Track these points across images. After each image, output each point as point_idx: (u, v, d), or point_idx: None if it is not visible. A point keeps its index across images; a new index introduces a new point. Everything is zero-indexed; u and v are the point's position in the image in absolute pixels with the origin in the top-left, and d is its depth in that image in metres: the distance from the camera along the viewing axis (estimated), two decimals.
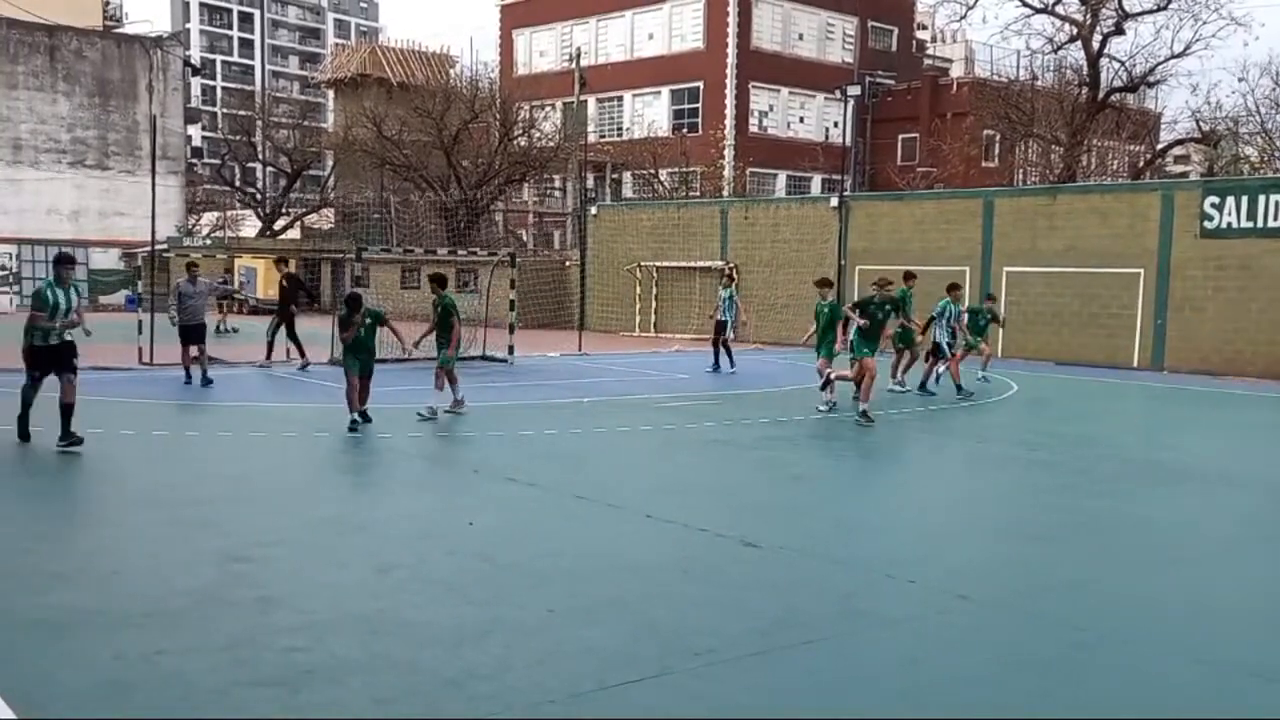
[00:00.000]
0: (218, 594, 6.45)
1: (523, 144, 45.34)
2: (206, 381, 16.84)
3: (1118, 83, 36.81)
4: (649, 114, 50.69)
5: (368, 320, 13.14)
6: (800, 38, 50.63)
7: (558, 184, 51.31)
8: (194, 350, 17.10)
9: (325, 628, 5.88)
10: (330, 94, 70.74)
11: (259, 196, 61.01)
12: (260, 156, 61.75)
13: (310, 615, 6.08)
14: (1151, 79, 36.83)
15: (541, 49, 55.32)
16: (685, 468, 11.40)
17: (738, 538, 8.01)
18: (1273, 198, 23.23)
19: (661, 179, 45.94)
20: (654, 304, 34.76)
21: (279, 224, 57.23)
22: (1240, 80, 39.23)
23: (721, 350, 22.14)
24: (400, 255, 33.60)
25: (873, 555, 7.83)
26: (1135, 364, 24.79)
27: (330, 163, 59.32)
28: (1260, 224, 23.27)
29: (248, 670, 5.26)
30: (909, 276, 19.35)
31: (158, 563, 7.16)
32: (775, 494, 10.21)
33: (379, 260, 34.82)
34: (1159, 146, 41.56)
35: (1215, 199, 24.05)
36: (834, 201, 31.52)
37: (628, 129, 51.10)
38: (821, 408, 15.42)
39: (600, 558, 7.48)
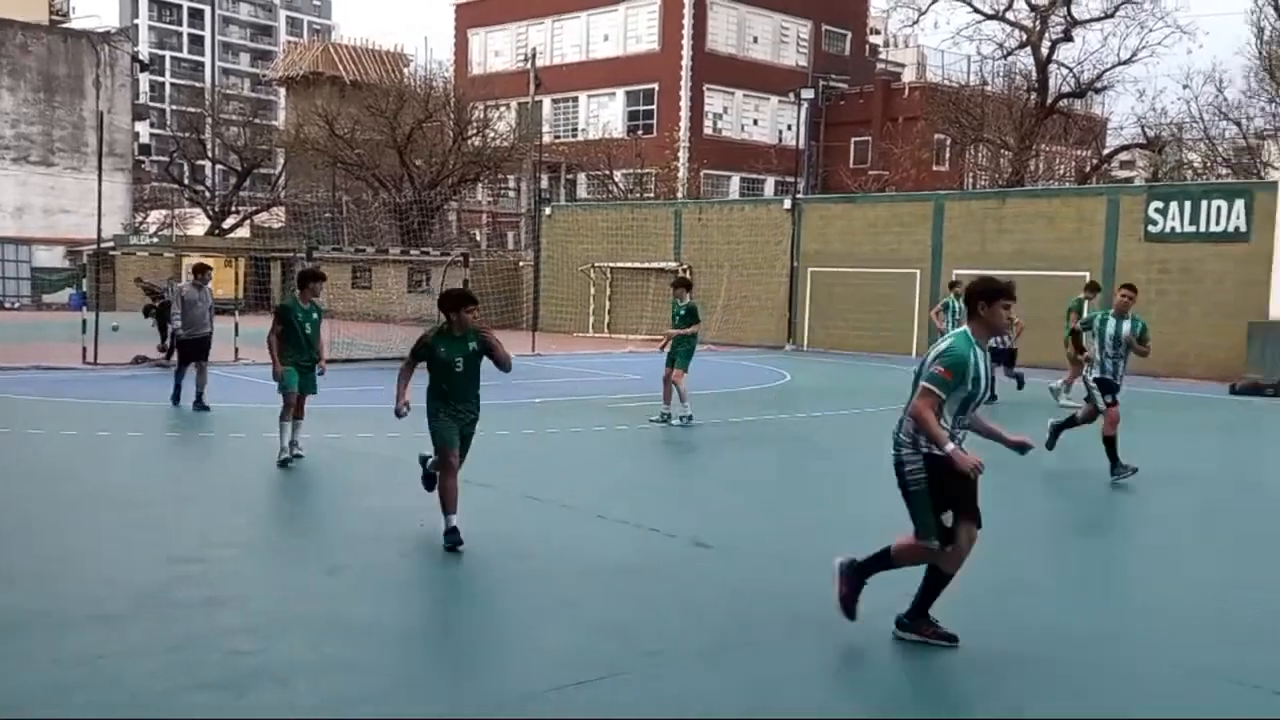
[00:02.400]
0: (163, 595, 6.36)
1: (477, 144, 45.17)
2: (201, 406, 14.05)
3: (1066, 88, 37.42)
4: (604, 115, 50.70)
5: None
6: (755, 41, 50.88)
7: (512, 184, 51.17)
8: (193, 368, 14.62)
9: (273, 629, 5.81)
10: (282, 92, 70.09)
11: (208, 194, 60.22)
12: (210, 154, 60.98)
13: (258, 617, 6.01)
14: (1098, 85, 37.48)
15: (496, 49, 55.14)
16: (638, 468, 11.41)
17: (689, 538, 8.03)
18: (1215, 203, 23.71)
19: (616, 180, 45.97)
20: (608, 305, 34.76)
21: (228, 222, 56.52)
22: (1184, 87, 40.11)
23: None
24: (352, 255, 33.33)
25: (823, 555, 7.87)
26: None
27: (281, 161, 58.68)
28: (1202, 228, 23.74)
29: (192, 673, 5.19)
30: (1093, 288, 18.26)
31: (101, 564, 7.04)
32: (727, 494, 10.25)
33: (331, 259, 34.47)
34: (1105, 152, 42.28)
35: (1159, 204, 24.49)
36: (787, 203, 31.71)
37: (583, 130, 51.07)
38: (674, 421, 14.04)
39: (552, 558, 7.46)
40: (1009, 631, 6.21)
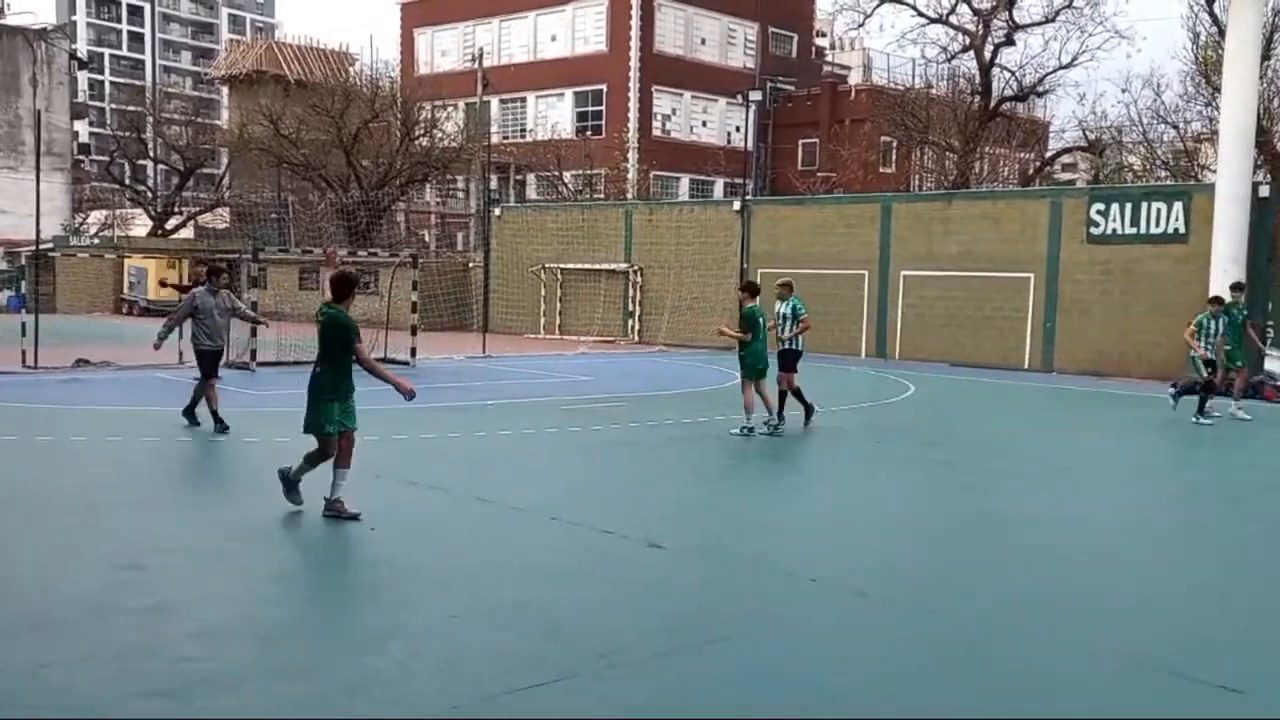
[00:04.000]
0: (108, 602, 6.25)
1: (425, 144, 44.87)
2: (221, 427, 12.28)
3: (1009, 92, 37.92)
4: (553, 116, 50.60)
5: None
6: (703, 42, 51.06)
7: (461, 185, 50.90)
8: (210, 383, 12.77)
9: (221, 636, 5.74)
10: (225, 90, 69.12)
11: (150, 195, 59.24)
12: (151, 154, 59.98)
13: (205, 623, 5.92)
14: (1040, 89, 38.03)
15: (443, 49, 54.83)
16: (590, 470, 11.40)
17: (643, 539, 8.04)
18: (1154, 205, 24.17)
19: (566, 181, 45.90)
20: (558, 306, 34.70)
21: (171, 223, 55.64)
22: (1124, 91, 40.79)
23: None
24: (299, 256, 32.95)
25: (775, 554, 7.93)
26: (1026, 365, 25.55)
27: (225, 161, 57.87)
28: (1143, 230, 24.19)
29: (138, 680, 5.10)
30: (1239, 288, 17.73)
31: (44, 571, 6.90)
32: (680, 495, 10.27)
33: (276, 261, 34.12)
34: (1048, 154, 42.93)
35: (1101, 205, 24.92)
36: (736, 205, 31.86)
37: (531, 130, 50.94)
38: (762, 430, 13.33)
39: (505, 561, 7.44)
40: (966, 626, 6.28)
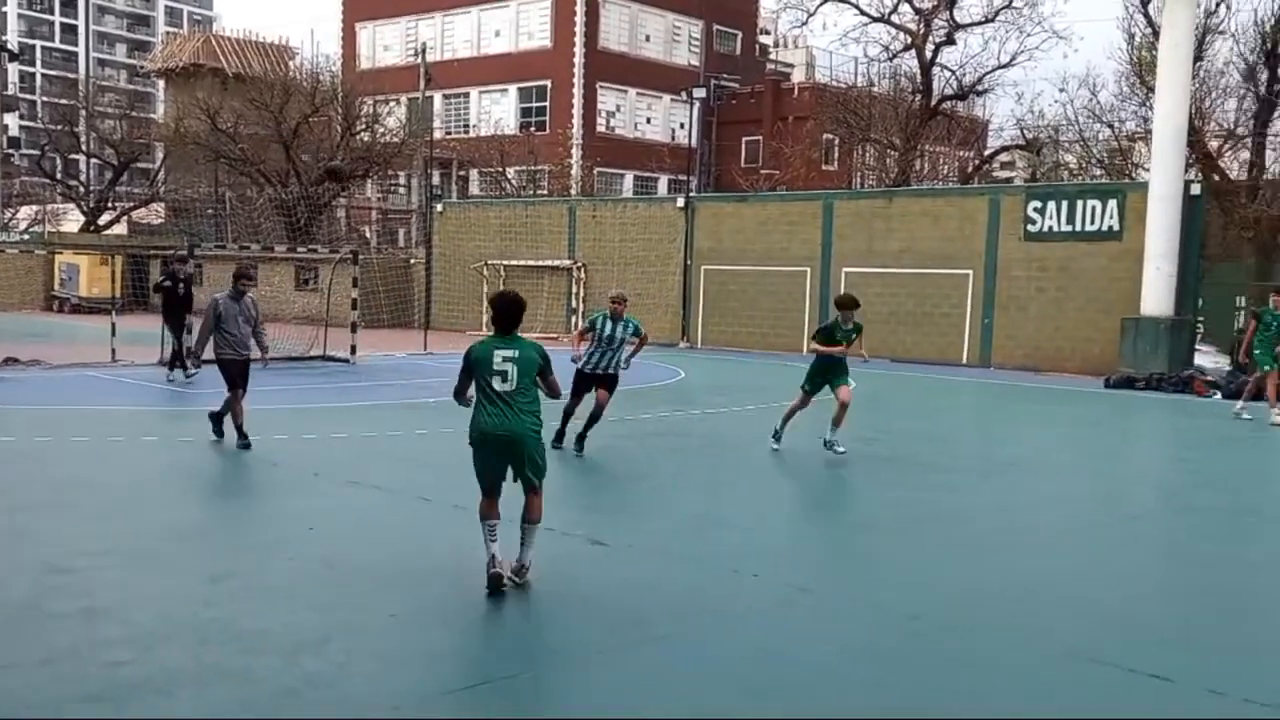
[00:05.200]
0: (37, 606, 6.10)
1: (366, 139, 44.38)
2: (244, 442, 11.42)
3: (949, 90, 38.39)
4: (496, 111, 50.34)
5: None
6: (647, 39, 51.08)
7: (402, 180, 50.45)
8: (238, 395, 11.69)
9: (154, 639, 5.62)
10: (161, 84, 67.85)
11: (82, 190, 57.96)
12: (84, 148, 58.68)
13: (138, 626, 5.80)
14: (980, 88, 38.55)
15: (385, 43, 54.30)
16: None
17: (585, 536, 8.02)
18: (1089, 203, 24.61)
19: (509, 177, 45.68)
20: None
21: (104, 219, 54.49)
22: (1060, 90, 41.38)
23: None
24: (236, 252, 32.41)
25: (718, 551, 7.94)
26: (965, 360, 25.90)
27: (160, 155, 56.80)
28: (1078, 228, 24.62)
29: (68, 685, 4.98)
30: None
31: None
32: (623, 492, 10.26)
33: (213, 257, 33.58)
34: (986, 152, 43.51)
35: (1038, 203, 25.32)
36: (680, 202, 31.93)
37: (474, 126, 50.64)
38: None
39: (445, 560, 7.37)
40: (908, 620, 6.34)
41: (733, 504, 9.92)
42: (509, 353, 6.75)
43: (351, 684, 5.12)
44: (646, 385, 19.71)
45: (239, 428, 11.46)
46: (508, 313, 6.92)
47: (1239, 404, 16.66)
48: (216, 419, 11.82)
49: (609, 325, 11.63)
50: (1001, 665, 5.65)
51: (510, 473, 6.86)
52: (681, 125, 49.66)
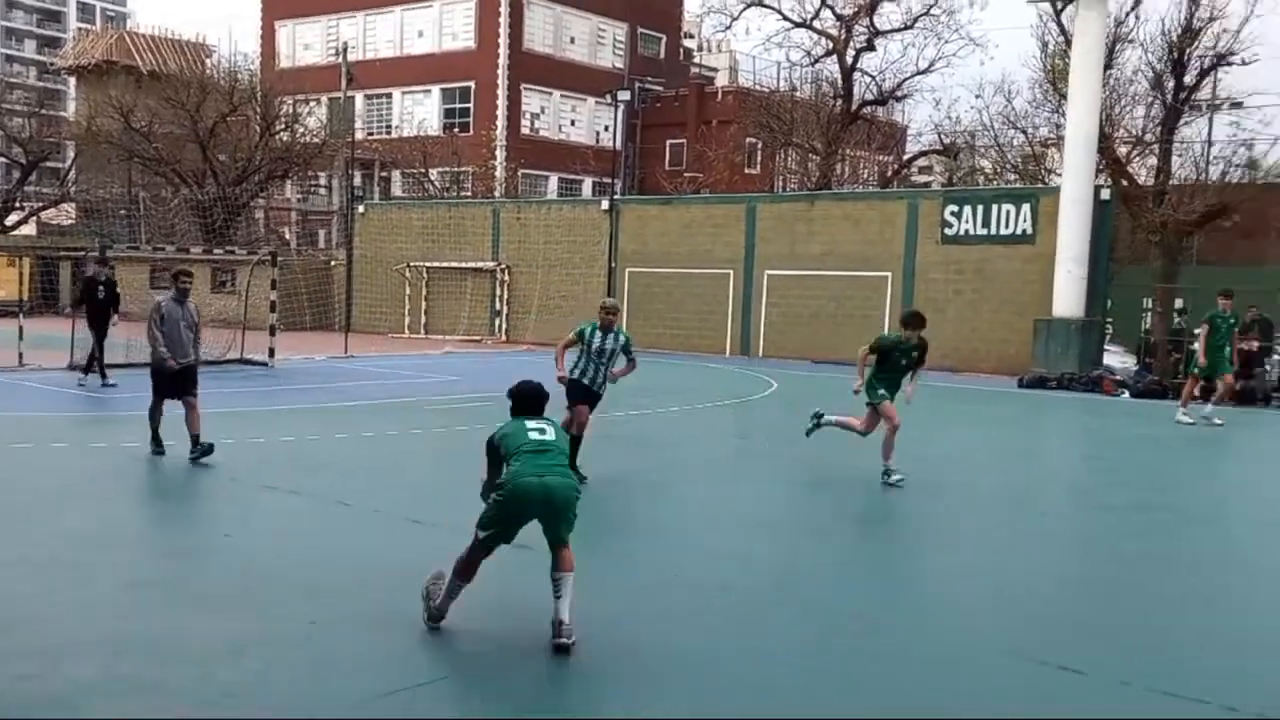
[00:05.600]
0: None
1: (285, 139, 43.67)
2: (199, 450, 10.72)
3: (869, 96, 38.95)
4: (419, 112, 49.89)
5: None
6: (572, 41, 51.04)
7: (323, 181, 49.76)
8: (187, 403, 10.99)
9: (63, 651, 5.47)
10: (72, 81, 66.05)
11: None
12: None
13: (47, 639, 5.65)
14: (899, 93, 39.18)
15: (306, 42, 53.52)
16: (456, 471, 11.26)
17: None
18: (1004, 207, 25.16)
19: (432, 178, 45.30)
20: (424, 305, 34.24)
21: (11, 219, 52.81)
22: (977, 97, 42.41)
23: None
24: (149, 253, 31.76)
25: (646, 552, 7.97)
26: None
27: (71, 154, 55.25)
28: (993, 231, 25.16)
29: None
30: (1228, 295, 16.87)
31: None
32: None
33: (126, 259, 32.80)
34: (905, 157, 44.24)
35: (954, 207, 25.83)
36: (605, 204, 31.95)
37: (397, 127, 50.12)
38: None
39: (366, 565, 7.29)
40: (830, 615, 6.42)
41: (658, 505, 9.96)
42: (540, 423, 6.26)
43: (269, 693, 5.04)
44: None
45: (194, 436, 10.76)
46: (540, 403, 6.44)
47: (1207, 407, 16.53)
48: (154, 435, 11.11)
49: (599, 337, 10.38)
50: (916, 656, 5.76)
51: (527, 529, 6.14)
52: (606, 128, 49.68)
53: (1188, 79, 25.94)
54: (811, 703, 5.16)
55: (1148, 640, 6.26)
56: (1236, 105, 28.93)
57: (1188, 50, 25.51)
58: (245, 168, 41.63)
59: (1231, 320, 16.73)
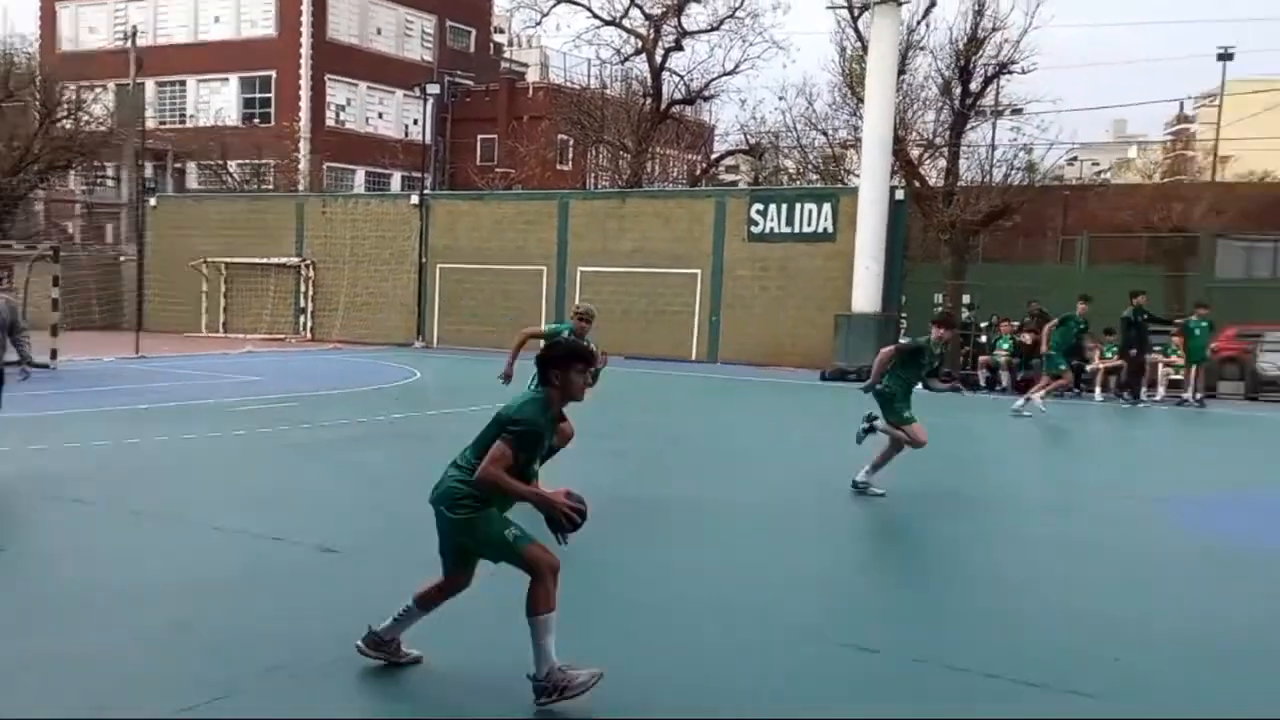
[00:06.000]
0: None
1: (68, 127, 41.01)
2: None
3: (678, 95, 39.55)
4: (216, 101, 47.83)
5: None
6: (379, 32, 49.92)
7: (111, 172, 47.02)
8: None
9: None
10: None
11: None
12: None
13: None
14: (706, 93, 39.93)
15: (91, 25, 50.49)
16: (258, 474, 10.85)
17: (315, 544, 7.74)
18: (806, 206, 26.05)
19: (231, 170, 43.49)
20: (223, 302, 32.85)
21: None
22: (780, 99, 43.49)
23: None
24: None
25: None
26: (694, 356, 26.84)
27: None
28: (797, 229, 26.01)
29: None
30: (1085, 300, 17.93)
31: None
32: (354, 496, 9.98)
33: None
34: (713, 156, 45.17)
35: (760, 206, 26.57)
36: (414, 199, 31.40)
37: (192, 116, 47.91)
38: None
39: (159, 578, 6.93)
40: (631, 606, 6.48)
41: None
42: None
43: (59, 711, 4.72)
44: (380, 386, 19.29)
45: None
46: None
47: (1020, 400, 17.57)
48: None
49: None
50: (716, 641, 5.88)
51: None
52: (415, 121, 48.81)
53: (973, 86, 27.40)
54: (619, 696, 5.20)
55: (940, 619, 6.57)
56: (1017, 112, 30.75)
57: (973, 58, 26.95)
58: (22, 157, 38.88)
59: (1083, 324, 18.09)
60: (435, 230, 30.52)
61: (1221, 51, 44.85)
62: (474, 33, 55.12)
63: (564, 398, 5.12)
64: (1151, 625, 6.58)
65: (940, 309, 10.41)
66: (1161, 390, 20.83)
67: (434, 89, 41.71)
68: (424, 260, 30.44)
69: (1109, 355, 21.04)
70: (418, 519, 8.95)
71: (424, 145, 39.69)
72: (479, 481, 4.98)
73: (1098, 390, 20.74)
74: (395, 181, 48.17)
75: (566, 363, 5.06)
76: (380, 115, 50.43)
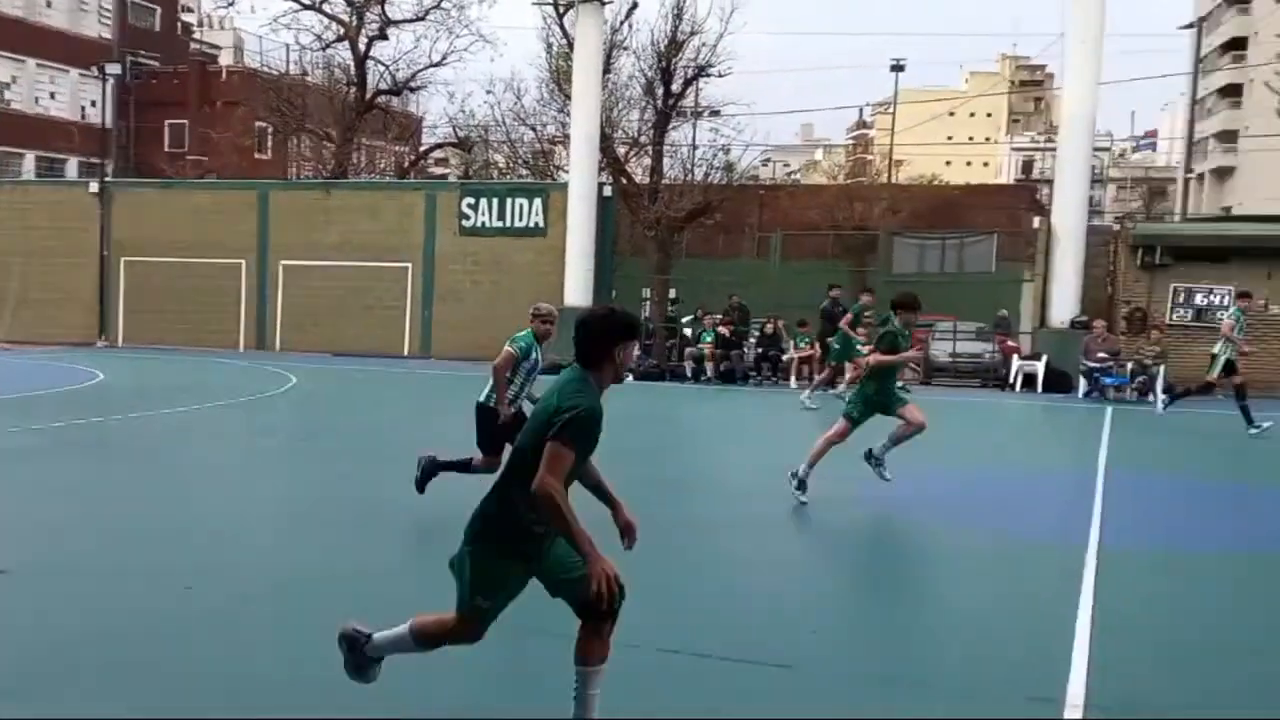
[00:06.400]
0: None
1: None
2: None
3: (383, 85, 38.64)
4: None
5: None
6: (49, 5, 45.81)
7: None
8: None
9: None
10: None
11: None
12: None
13: None
14: (414, 85, 39.22)
15: None
16: None
17: None
18: (518, 200, 26.18)
19: None
20: None
21: None
22: (489, 93, 43.35)
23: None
24: None
25: (148, 564, 7.36)
26: (406, 352, 26.40)
27: None
28: (509, 224, 26.11)
29: None
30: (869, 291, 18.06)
31: None
32: (35, 510, 9.13)
33: None
34: (422, 148, 44.48)
35: (471, 199, 26.46)
36: (94, 186, 29.10)
37: None
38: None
39: None
40: (387, 608, 6.30)
41: (165, 514, 9.24)
42: None
43: None
44: (59, 389, 17.76)
45: None
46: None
47: (840, 386, 18.18)
48: None
49: (536, 350, 9.07)
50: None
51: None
52: (94, 103, 45.12)
53: (675, 87, 28.39)
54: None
55: (680, 604, 6.76)
56: (715, 113, 32.10)
57: (673, 61, 27.92)
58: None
59: (869, 314, 18.96)
60: (119, 221, 28.39)
61: (894, 63, 48.78)
62: (159, 10, 51.64)
63: (614, 379, 4.44)
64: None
65: (900, 292, 10.55)
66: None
67: (114, 69, 38.75)
68: (106, 253, 28.27)
69: (802, 345, 22.41)
70: (104, 533, 8.34)
71: (104, 129, 36.84)
72: (536, 496, 4.12)
73: (793, 379, 22.01)
74: (72, 168, 44.40)
75: (629, 336, 4.40)
76: (52, 95, 46.28)
